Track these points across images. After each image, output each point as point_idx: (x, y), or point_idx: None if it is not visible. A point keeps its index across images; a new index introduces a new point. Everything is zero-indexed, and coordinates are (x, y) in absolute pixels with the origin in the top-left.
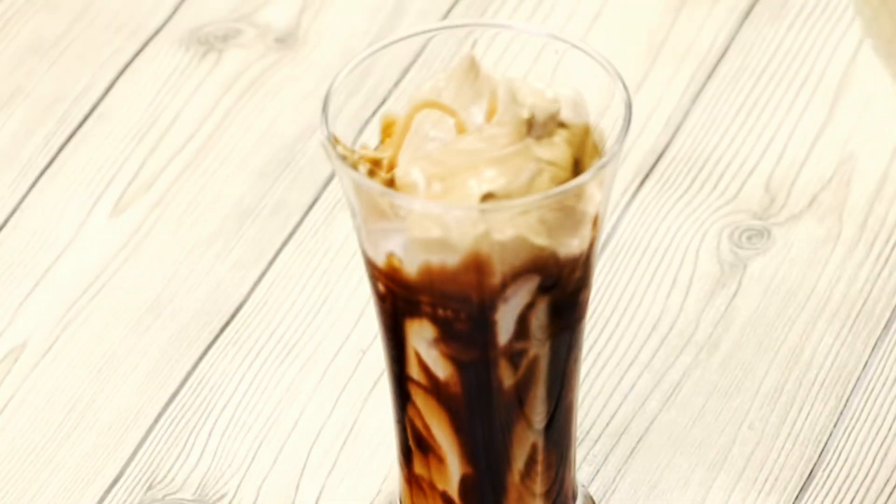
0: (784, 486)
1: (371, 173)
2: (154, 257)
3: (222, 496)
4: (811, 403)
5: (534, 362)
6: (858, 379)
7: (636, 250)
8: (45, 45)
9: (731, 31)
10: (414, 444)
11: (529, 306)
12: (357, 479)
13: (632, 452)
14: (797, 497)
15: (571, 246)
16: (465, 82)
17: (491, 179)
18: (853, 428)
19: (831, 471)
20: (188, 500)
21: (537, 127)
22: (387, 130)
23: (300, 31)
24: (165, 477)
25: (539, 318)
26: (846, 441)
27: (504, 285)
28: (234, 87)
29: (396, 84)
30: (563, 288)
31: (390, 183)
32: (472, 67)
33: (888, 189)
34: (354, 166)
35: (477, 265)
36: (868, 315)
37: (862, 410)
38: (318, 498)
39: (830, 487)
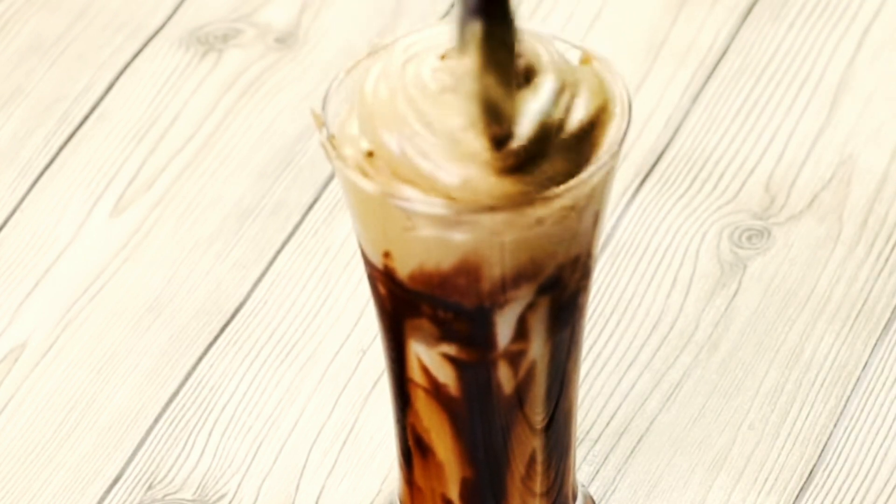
0: (784, 485)
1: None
2: (154, 257)
3: (222, 496)
4: (811, 403)
5: (534, 363)
6: (858, 379)
7: (636, 250)
8: (45, 45)
9: (732, 31)
10: (414, 446)
11: (529, 307)
12: (357, 479)
13: (632, 452)
14: (797, 497)
15: (571, 246)
16: None
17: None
18: (853, 428)
19: (831, 471)
20: (188, 500)
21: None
22: None
23: (300, 31)
24: (165, 477)
25: (539, 319)
26: (846, 441)
27: (503, 286)
28: (234, 87)
29: None
30: (562, 288)
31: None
32: None
33: (888, 189)
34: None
35: (476, 266)
36: (868, 315)
37: (862, 410)
38: (318, 498)
39: (830, 487)
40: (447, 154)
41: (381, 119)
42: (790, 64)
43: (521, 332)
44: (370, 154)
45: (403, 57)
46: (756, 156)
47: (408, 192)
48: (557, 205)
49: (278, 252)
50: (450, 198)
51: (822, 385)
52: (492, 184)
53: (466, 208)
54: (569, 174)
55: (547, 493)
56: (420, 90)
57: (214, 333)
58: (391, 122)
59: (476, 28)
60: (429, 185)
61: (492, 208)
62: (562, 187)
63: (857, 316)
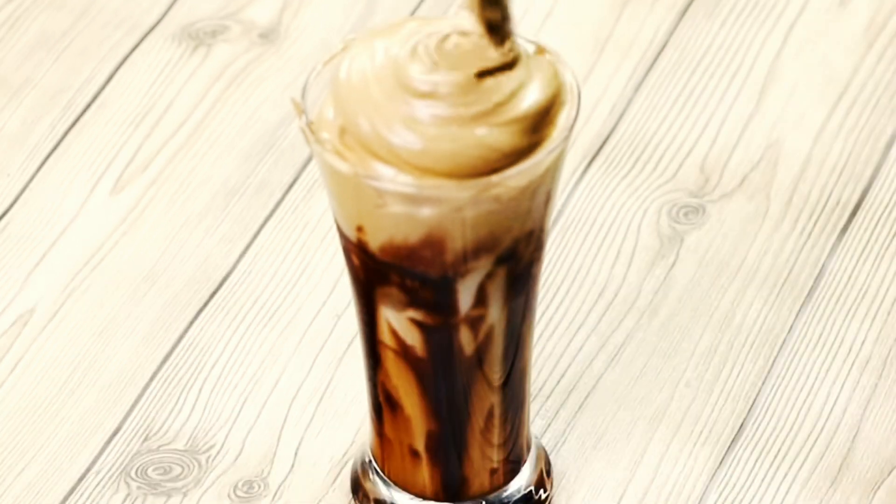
0: (717, 437)
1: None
2: (150, 232)
3: (211, 447)
4: (742, 363)
5: (492, 327)
6: (784, 341)
7: (584, 225)
8: (51, 41)
9: (670, 28)
10: (384, 402)
11: (488, 276)
12: (332, 432)
13: (580, 408)
14: (729, 447)
15: (525, 221)
16: None
17: None
18: (779, 385)
19: (759, 424)
20: (180, 450)
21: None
22: None
23: (281, 27)
24: (160, 429)
25: (497, 287)
26: (773, 397)
27: (465, 258)
28: (221, 78)
29: None
30: (518, 260)
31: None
32: None
33: (810, 170)
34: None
35: (440, 239)
36: (793, 284)
37: (787, 369)
38: (297, 449)
39: (759, 439)
40: (416, 114)
41: (354, 99)
42: (723, 57)
43: (481, 298)
44: (343, 131)
45: (374, 46)
46: (692, 140)
47: (379, 170)
48: (514, 183)
49: (261, 227)
50: (416, 168)
51: (751, 347)
52: (453, 139)
53: (431, 183)
54: (524, 155)
55: (503, 444)
56: (390, 71)
57: (204, 300)
58: (362, 102)
59: None
60: (396, 157)
61: (453, 177)
62: (517, 167)
63: (783, 284)
